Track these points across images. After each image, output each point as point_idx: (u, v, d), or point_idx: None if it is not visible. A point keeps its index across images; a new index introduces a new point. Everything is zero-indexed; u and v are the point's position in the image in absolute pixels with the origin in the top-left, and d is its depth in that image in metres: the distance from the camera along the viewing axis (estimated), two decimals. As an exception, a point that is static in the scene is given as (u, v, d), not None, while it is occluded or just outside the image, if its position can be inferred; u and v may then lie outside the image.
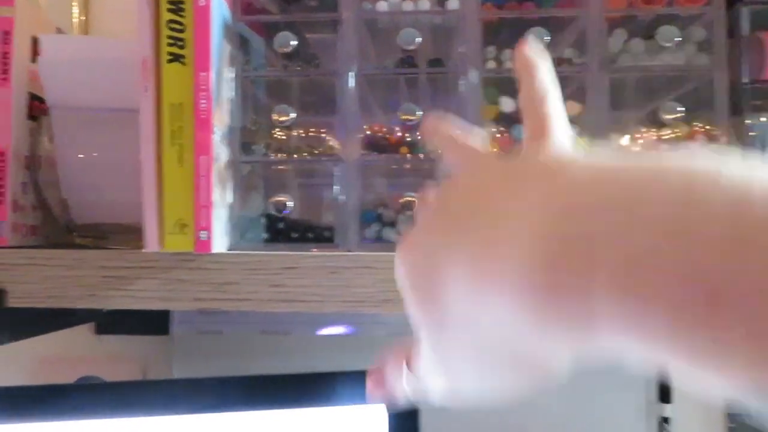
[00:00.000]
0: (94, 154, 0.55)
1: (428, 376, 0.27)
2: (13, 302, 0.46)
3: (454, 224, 0.23)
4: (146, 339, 0.69)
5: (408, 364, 0.29)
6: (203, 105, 0.44)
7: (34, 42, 0.54)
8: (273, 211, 0.48)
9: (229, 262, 0.45)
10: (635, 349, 0.16)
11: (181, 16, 0.44)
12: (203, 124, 0.44)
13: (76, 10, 0.72)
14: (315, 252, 0.45)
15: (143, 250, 0.45)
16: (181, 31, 0.45)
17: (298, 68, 0.50)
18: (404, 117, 0.48)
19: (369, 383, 0.31)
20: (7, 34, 0.50)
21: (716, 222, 0.15)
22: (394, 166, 0.50)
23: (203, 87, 0.44)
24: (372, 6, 0.49)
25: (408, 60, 0.49)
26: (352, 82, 0.49)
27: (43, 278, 0.46)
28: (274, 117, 0.48)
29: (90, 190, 0.55)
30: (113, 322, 0.70)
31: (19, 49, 0.51)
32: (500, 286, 0.19)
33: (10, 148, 0.50)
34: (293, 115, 0.48)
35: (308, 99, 0.50)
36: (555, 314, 0.18)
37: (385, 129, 0.50)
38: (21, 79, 0.52)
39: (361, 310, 0.45)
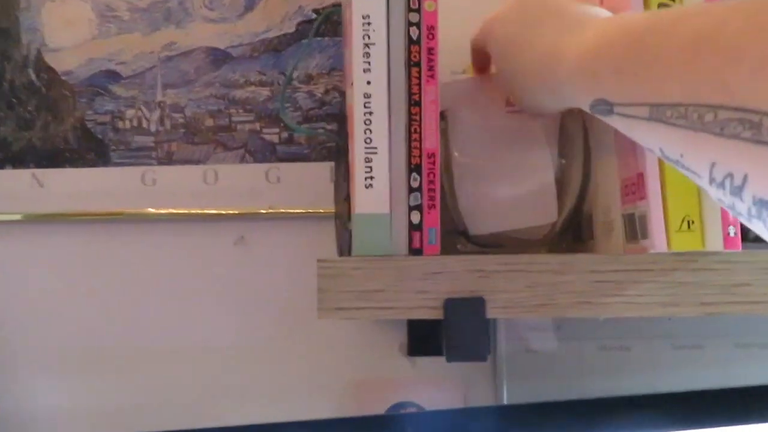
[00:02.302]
0: (492, 160, 0.52)
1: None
2: (493, 312, 0.42)
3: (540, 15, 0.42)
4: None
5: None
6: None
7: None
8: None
9: (739, 261, 0.41)
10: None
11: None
12: (723, 111, 0.40)
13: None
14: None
15: (648, 252, 0.41)
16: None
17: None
18: None
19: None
20: (432, 29, 0.47)
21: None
22: None
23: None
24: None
25: None
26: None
27: (528, 285, 0.42)
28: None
29: (486, 198, 0.52)
30: (426, 342, 0.65)
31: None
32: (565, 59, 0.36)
33: (438, 151, 0.47)
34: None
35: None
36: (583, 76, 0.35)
37: None
38: (437, 78, 0.49)
39: None
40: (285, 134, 0.66)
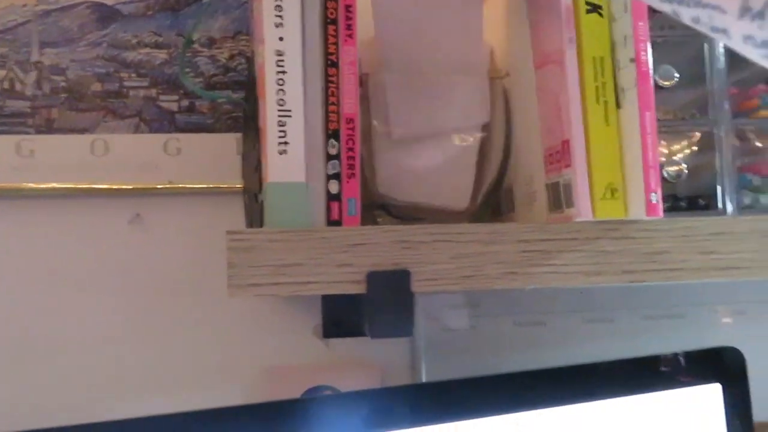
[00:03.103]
0: (415, 126, 0.49)
1: None
2: (419, 286, 0.40)
3: None
4: (382, 341, 0.62)
5: None
6: (643, 57, 0.40)
7: None
8: (669, 178, 0.45)
9: (658, 229, 0.41)
10: None
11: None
12: (645, 77, 0.40)
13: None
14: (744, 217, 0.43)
15: (575, 220, 0.40)
16: (596, -21, 0.41)
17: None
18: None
19: None
20: (349, -16, 0.44)
21: None
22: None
23: (642, 37, 0.40)
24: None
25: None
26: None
27: (454, 256, 0.40)
28: (656, 79, 0.45)
29: (406, 166, 0.49)
30: (342, 323, 0.62)
31: (354, 3, 0.45)
32: None
33: (358, 116, 0.44)
34: (677, 77, 0.46)
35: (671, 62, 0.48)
36: None
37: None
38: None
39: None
40: (185, 102, 0.60)
